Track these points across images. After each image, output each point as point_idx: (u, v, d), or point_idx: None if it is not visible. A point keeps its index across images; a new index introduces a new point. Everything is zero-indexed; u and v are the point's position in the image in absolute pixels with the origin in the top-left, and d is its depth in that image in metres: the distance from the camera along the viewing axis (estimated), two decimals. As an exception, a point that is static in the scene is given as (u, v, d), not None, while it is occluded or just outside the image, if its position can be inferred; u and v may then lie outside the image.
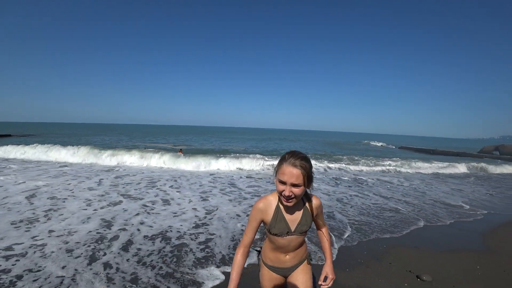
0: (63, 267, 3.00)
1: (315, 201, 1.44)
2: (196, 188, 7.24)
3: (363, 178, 10.31)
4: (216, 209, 5.36)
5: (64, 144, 14.32)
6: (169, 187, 7.19)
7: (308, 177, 1.26)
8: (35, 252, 3.31)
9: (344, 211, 5.55)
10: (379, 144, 41.61)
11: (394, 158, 16.31)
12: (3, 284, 2.61)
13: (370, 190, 7.92)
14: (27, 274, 2.83)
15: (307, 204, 1.43)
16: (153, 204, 5.53)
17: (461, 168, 13.46)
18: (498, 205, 6.92)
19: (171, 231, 4.18)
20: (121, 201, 5.63)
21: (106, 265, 3.08)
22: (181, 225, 4.44)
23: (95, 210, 5.00)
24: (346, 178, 10.09)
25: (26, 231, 3.95)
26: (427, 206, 6.28)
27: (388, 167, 12.55)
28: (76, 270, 2.96)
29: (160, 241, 3.79)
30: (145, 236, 3.93)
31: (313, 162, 9.47)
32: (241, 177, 9.05)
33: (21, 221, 4.32)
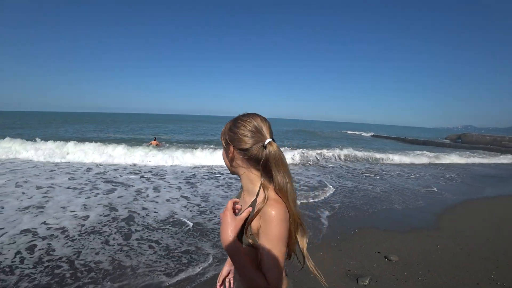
0: (94, 250, 3.19)
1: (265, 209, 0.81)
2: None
3: (355, 168, 10.66)
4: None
5: (24, 136, 13.17)
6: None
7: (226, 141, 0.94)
8: (58, 235, 3.49)
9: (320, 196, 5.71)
10: (351, 132, 43.40)
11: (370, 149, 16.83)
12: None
13: (349, 178, 8.21)
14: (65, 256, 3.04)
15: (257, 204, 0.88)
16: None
17: (423, 158, 13.93)
18: (455, 189, 7.52)
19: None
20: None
21: (135, 241, 3.46)
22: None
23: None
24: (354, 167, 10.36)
25: (35, 216, 4.05)
26: (397, 191, 6.66)
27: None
28: (107, 245, 3.30)
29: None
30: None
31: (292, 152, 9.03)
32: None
33: (26, 208, 4.35)
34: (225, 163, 0.99)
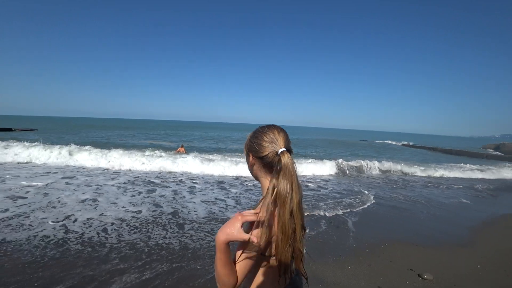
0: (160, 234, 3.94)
1: None
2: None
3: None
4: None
5: (65, 140, 14.28)
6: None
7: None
8: (121, 224, 4.18)
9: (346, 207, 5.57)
10: (378, 141, 41.48)
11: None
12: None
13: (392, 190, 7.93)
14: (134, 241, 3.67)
15: None
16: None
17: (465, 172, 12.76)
18: (493, 203, 6.95)
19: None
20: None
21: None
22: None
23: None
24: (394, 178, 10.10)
25: (94, 208, 4.80)
26: (430, 203, 6.31)
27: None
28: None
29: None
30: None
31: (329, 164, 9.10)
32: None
33: (83, 200, 5.14)
34: (248, 169, 1.10)
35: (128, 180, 7.13)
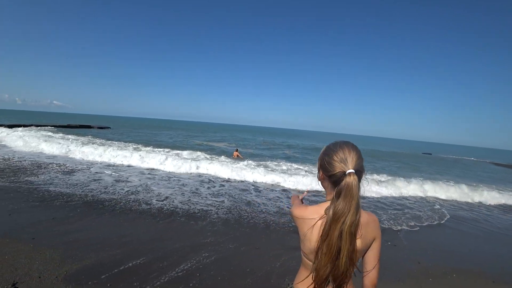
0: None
1: None
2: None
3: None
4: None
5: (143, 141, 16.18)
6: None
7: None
8: (212, 209, 5.27)
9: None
10: (448, 156, 35.51)
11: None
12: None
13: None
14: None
15: None
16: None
17: None
18: None
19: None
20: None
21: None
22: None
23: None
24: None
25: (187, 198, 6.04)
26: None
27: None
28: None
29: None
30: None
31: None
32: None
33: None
34: (319, 181, 1.15)
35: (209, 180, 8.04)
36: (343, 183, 0.94)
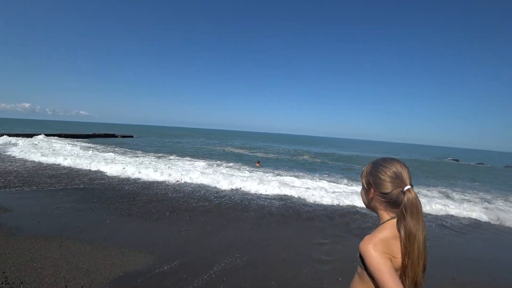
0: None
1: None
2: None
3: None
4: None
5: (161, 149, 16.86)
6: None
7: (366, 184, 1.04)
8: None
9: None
10: (457, 161, 33.14)
11: None
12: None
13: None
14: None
15: None
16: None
17: None
18: None
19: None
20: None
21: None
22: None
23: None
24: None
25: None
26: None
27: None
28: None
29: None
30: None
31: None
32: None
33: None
34: (363, 200, 1.09)
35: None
36: (405, 200, 0.90)
